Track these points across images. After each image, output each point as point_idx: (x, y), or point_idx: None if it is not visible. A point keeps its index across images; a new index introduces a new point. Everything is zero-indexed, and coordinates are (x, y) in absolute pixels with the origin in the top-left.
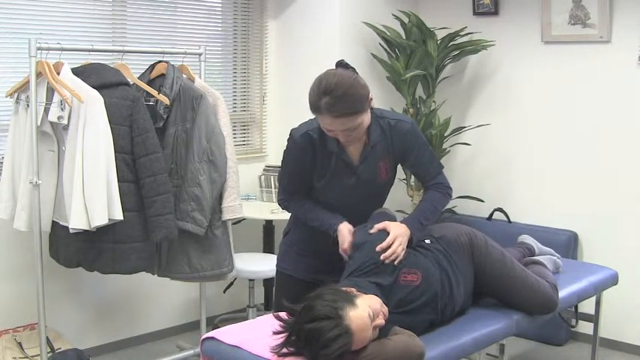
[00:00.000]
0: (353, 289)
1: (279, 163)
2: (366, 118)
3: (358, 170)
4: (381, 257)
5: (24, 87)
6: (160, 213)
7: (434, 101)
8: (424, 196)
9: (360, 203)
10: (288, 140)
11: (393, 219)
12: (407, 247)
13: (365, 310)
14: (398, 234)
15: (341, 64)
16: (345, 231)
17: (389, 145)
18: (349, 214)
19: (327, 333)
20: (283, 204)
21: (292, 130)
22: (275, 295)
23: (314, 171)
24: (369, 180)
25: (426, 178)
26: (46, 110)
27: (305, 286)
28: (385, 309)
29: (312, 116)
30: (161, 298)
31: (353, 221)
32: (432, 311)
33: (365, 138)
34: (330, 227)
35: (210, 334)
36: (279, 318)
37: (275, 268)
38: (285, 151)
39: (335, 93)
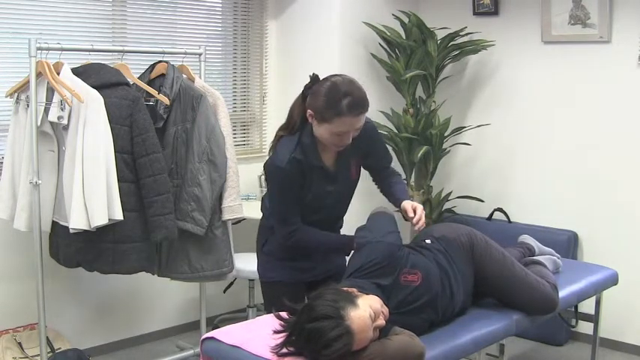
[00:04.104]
0: (354, 290)
1: None
2: None
3: (336, 176)
4: (414, 221)
5: (24, 87)
6: (160, 213)
7: (434, 101)
8: (394, 180)
9: (335, 205)
10: (271, 173)
11: (390, 217)
12: (409, 247)
13: (366, 310)
14: (417, 205)
15: (317, 78)
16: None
17: (356, 143)
18: (327, 217)
19: (328, 333)
20: (291, 236)
21: (273, 162)
22: (266, 307)
23: (302, 190)
24: (344, 181)
25: (383, 167)
26: (46, 110)
27: (294, 288)
28: (386, 309)
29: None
30: (161, 298)
31: (329, 222)
32: (433, 311)
33: None
34: (349, 241)
35: (210, 334)
36: (279, 317)
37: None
38: (273, 184)
39: (355, 94)
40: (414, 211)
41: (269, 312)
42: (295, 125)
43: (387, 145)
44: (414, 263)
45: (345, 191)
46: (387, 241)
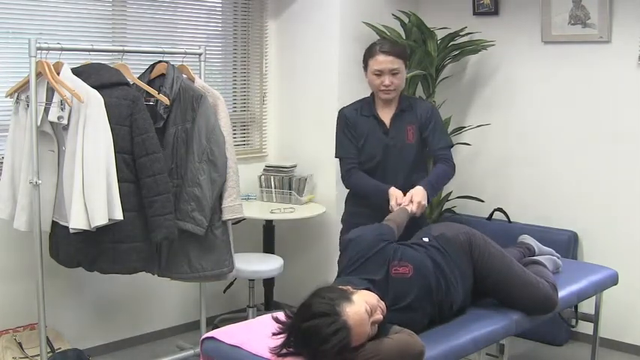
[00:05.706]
0: (349, 287)
1: (279, 163)
2: (404, 73)
3: (390, 129)
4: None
5: (24, 87)
6: (160, 213)
7: (434, 101)
8: (435, 168)
9: (397, 162)
10: (337, 118)
11: (387, 227)
12: (404, 244)
13: (361, 305)
14: (414, 193)
15: None
16: (394, 190)
17: (414, 115)
18: (391, 173)
19: (325, 329)
20: (346, 178)
21: (340, 110)
22: None
23: (357, 134)
24: (399, 140)
25: (436, 145)
26: (46, 110)
27: None
28: (382, 304)
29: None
30: (161, 298)
31: (396, 181)
32: (429, 306)
33: (396, 105)
34: (384, 189)
35: (210, 334)
36: (277, 320)
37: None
38: (337, 127)
39: (385, 41)
40: (411, 200)
41: None
42: None
43: None
44: (403, 255)
45: (400, 150)
46: (367, 233)
